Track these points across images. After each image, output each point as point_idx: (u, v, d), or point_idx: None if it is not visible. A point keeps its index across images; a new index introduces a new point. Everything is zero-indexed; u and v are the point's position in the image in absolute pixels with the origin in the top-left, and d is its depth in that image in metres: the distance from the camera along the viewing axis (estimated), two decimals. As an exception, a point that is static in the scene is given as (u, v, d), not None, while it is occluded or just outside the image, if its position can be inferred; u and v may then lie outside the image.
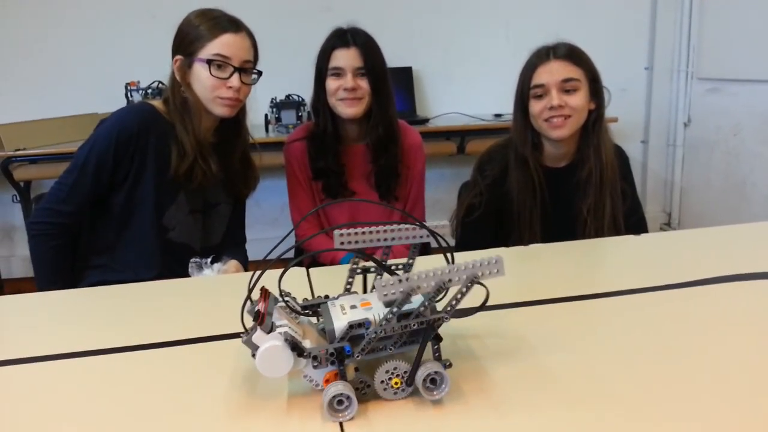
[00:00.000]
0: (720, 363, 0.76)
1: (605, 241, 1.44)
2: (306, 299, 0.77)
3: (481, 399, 0.70)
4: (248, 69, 1.51)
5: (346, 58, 1.66)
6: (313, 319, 0.76)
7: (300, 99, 2.99)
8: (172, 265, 1.51)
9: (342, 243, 0.80)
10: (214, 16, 1.48)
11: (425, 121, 3.20)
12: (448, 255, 0.74)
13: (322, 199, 1.81)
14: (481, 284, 0.69)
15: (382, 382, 0.69)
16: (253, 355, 0.67)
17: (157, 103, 1.54)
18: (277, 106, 2.96)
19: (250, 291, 0.71)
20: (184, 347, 0.89)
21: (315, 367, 0.68)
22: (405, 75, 3.36)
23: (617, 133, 1.64)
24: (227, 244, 1.67)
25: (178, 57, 1.49)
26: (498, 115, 3.27)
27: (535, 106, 1.54)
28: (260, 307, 0.69)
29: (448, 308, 0.68)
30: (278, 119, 2.97)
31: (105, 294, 1.16)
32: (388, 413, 0.68)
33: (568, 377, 0.74)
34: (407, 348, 0.70)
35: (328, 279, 1.17)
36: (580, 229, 1.58)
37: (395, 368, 0.68)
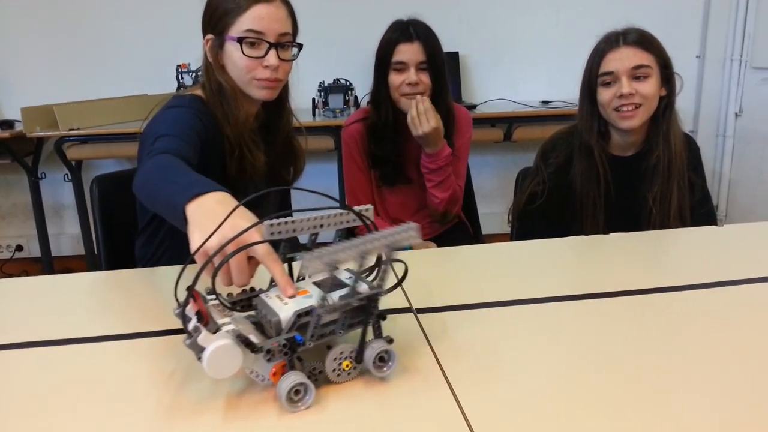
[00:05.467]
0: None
1: (668, 233, 1.42)
2: (231, 294, 0.75)
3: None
4: (286, 43, 1.31)
5: (409, 52, 1.67)
6: (243, 314, 0.73)
7: (348, 83, 2.98)
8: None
9: (272, 234, 0.73)
10: None
11: (472, 107, 3.16)
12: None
13: (378, 185, 1.83)
14: (400, 260, 0.75)
15: (334, 370, 0.70)
16: (199, 358, 0.64)
17: (198, 91, 1.34)
18: (325, 90, 2.95)
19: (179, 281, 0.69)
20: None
21: (269, 360, 0.65)
22: (451, 60, 3.31)
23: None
24: None
25: (209, 36, 1.31)
26: (546, 102, 3.22)
27: (604, 94, 1.51)
28: (199, 307, 0.66)
29: (380, 281, 0.70)
30: (325, 103, 2.95)
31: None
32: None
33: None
34: (354, 329, 0.71)
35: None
36: (645, 219, 1.55)
37: (341, 352, 0.70)
